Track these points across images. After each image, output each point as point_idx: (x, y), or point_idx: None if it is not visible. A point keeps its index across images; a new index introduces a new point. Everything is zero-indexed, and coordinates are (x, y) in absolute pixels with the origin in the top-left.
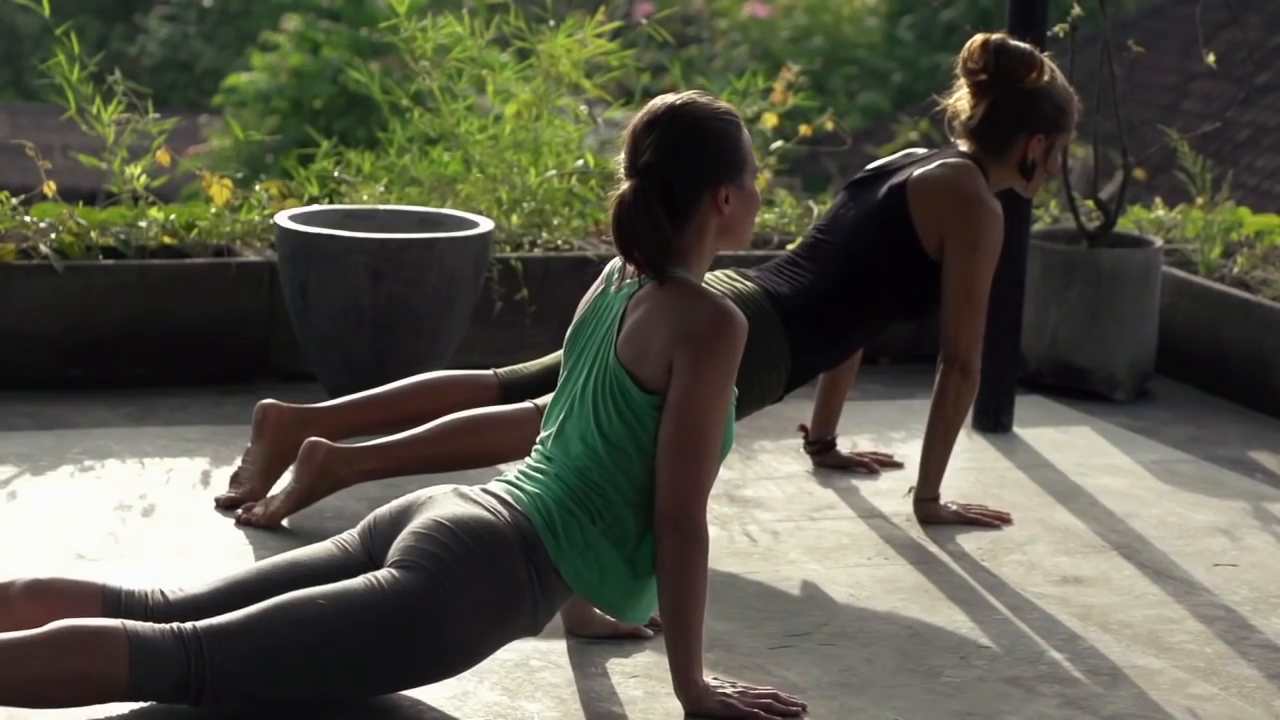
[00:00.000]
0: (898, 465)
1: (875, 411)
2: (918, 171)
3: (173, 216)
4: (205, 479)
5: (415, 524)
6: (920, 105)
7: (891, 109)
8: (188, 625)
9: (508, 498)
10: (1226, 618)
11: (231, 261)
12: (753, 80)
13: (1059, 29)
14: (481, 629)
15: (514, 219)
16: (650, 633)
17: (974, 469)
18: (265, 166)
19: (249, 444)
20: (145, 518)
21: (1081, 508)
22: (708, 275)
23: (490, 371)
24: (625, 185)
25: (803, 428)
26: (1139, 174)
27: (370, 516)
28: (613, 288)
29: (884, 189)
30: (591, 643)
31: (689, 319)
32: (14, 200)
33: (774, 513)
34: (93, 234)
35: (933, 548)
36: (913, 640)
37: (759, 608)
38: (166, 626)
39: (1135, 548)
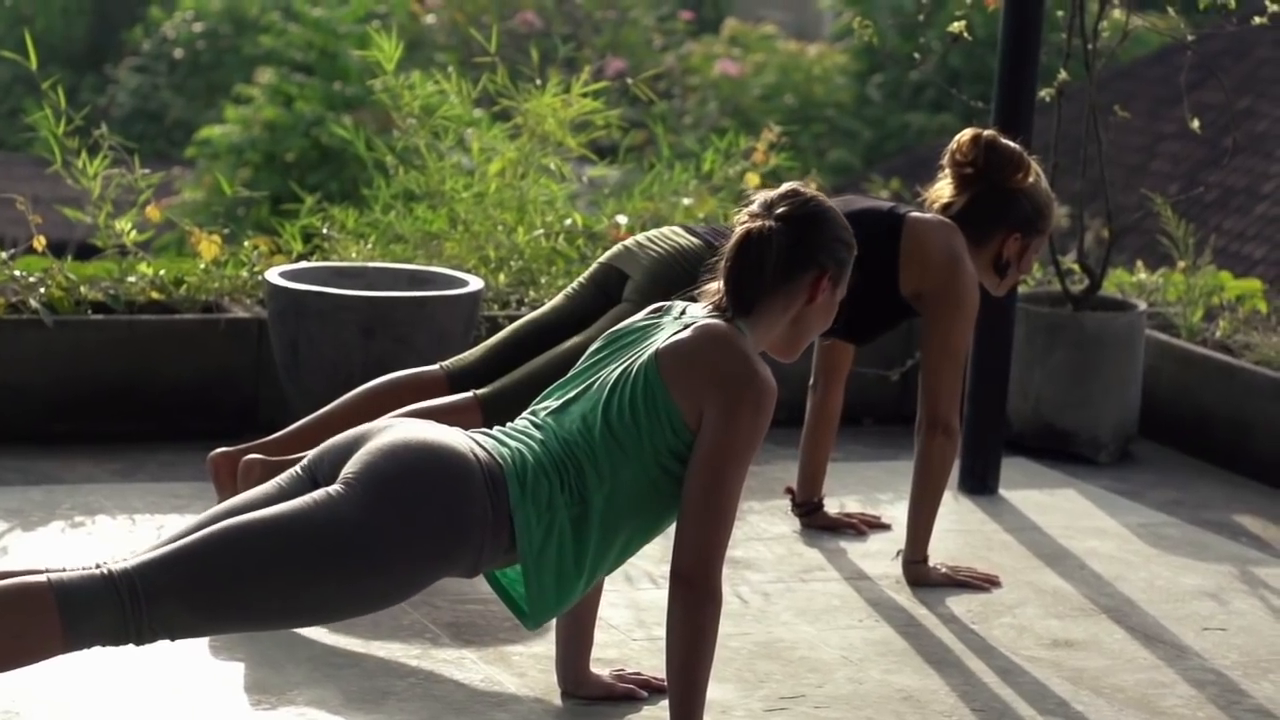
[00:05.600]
0: (885, 527)
1: (861, 472)
2: (915, 214)
3: (161, 272)
4: None
5: (375, 443)
6: (889, 164)
7: (861, 167)
8: (117, 564)
9: (483, 439)
10: (1218, 682)
11: (221, 317)
12: (734, 140)
13: (1045, 93)
14: (423, 557)
15: (501, 277)
16: (645, 694)
17: (961, 531)
18: (238, 219)
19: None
20: None
21: (1070, 570)
22: (652, 231)
23: (437, 366)
24: (760, 221)
25: (789, 490)
26: (1106, 234)
27: (321, 446)
28: (672, 315)
29: (887, 209)
30: (587, 705)
31: (729, 369)
32: (3, 254)
33: (764, 574)
34: (82, 289)
35: (923, 610)
36: (906, 703)
37: (753, 669)
38: (95, 570)
39: (1125, 611)
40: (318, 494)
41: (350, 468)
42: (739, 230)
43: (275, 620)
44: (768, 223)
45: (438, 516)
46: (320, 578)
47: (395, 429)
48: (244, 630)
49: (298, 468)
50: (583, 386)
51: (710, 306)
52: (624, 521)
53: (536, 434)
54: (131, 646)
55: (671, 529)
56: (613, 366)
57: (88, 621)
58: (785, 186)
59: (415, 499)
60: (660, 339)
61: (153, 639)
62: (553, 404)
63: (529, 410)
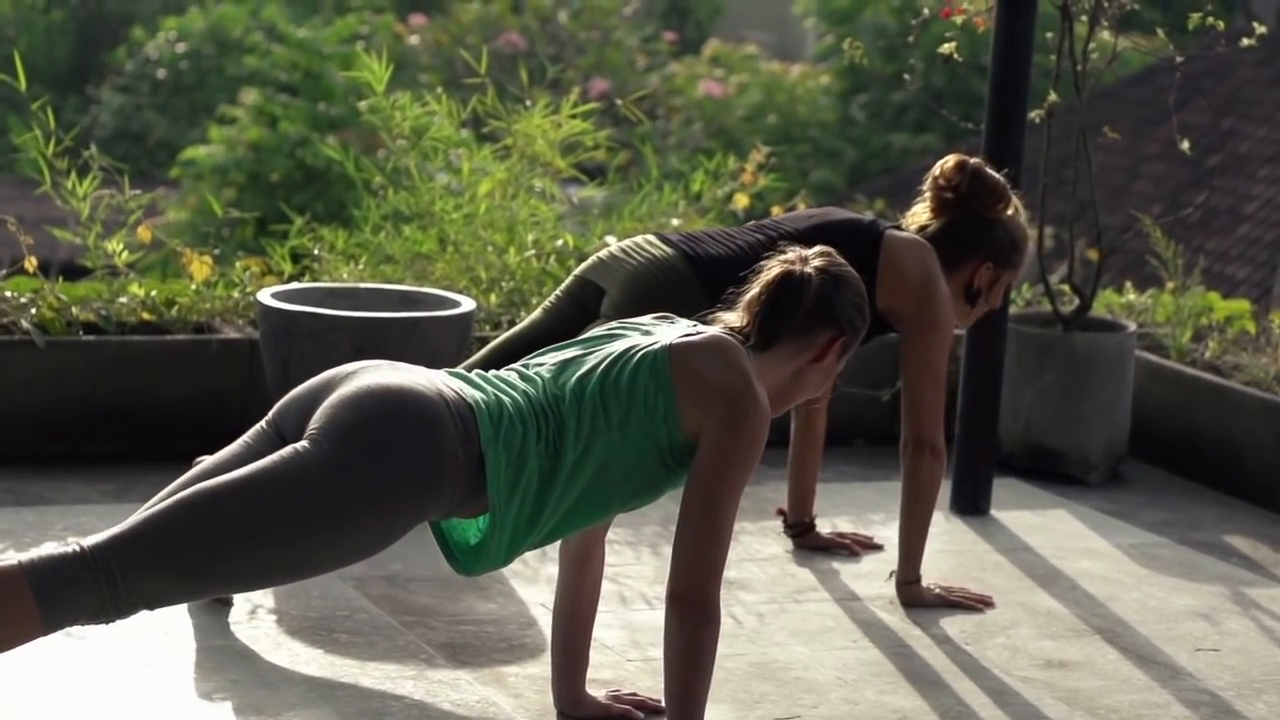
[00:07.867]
0: (878, 547)
1: (852, 493)
2: (893, 231)
3: (153, 293)
4: None
5: (339, 393)
6: (873, 184)
7: (845, 187)
8: (89, 541)
9: (451, 381)
10: (1211, 703)
11: (212, 338)
12: (722, 161)
13: (1034, 115)
14: (397, 505)
15: (492, 298)
16: (641, 715)
17: (954, 552)
18: (224, 240)
19: None
20: None
21: (1062, 591)
22: (627, 242)
23: None
24: (802, 265)
25: (781, 511)
26: (1092, 255)
27: (285, 398)
28: (681, 323)
29: (868, 223)
30: None
31: (736, 386)
32: None
33: (757, 594)
34: (73, 309)
35: (917, 631)
36: None
37: (748, 690)
38: (67, 549)
39: (1118, 632)
40: (285, 452)
41: (315, 422)
42: (778, 269)
43: (253, 581)
44: (806, 269)
45: (408, 464)
46: (294, 537)
47: (359, 376)
48: (224, 594)
49: (263, 422)
50: (582, 353)
51: (724, 329)
52: (576, 490)
53: (521, 384)
54: (113, 623)
55: (610, 524)
56: (617, 344)
57: (64, 602)
58: (819, 247)
59: (383, 448)
60: (670, 335)
61: (132, 612)
62: (547, 360)
63: (520, 362)
